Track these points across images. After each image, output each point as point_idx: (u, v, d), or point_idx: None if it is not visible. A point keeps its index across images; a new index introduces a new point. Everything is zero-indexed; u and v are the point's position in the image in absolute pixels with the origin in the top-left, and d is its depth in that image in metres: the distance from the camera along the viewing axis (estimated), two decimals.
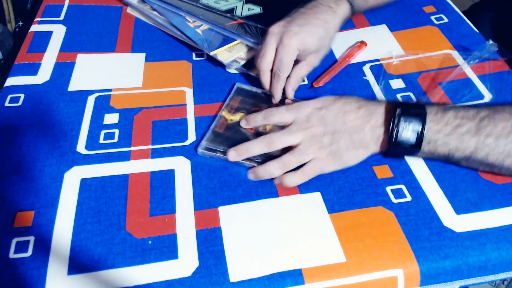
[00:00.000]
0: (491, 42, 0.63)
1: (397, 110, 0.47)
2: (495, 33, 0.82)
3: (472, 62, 0.63)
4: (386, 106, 0.49)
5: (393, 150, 0.48)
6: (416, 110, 0.47)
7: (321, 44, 0.58)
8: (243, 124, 0.54)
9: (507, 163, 0.46)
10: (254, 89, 0.61)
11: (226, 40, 0.65)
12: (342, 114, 0.49)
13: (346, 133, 0.48)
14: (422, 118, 0.46)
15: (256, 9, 0.70)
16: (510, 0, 0.82)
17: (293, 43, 0.55)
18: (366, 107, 0.49)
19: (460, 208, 0.48)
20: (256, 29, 0.65)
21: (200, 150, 0.53)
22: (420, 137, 0.46)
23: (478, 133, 0.45)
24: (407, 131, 0.46)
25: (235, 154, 0.50)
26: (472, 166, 0.49)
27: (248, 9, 0.70)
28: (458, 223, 0.46)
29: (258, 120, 0.53)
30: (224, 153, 0.52)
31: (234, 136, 0.54)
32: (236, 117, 0.57)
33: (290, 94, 0.58)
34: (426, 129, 0.46)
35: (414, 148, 0.47)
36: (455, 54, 0.66)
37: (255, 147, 0.50)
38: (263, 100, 0.59)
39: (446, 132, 0.46)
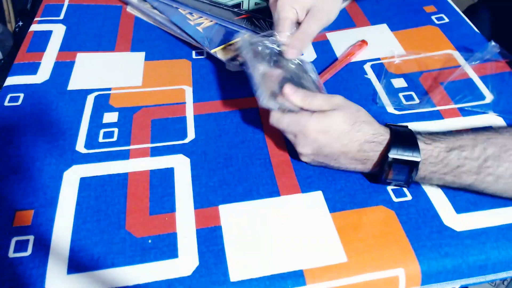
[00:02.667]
0: (493, 43, 0.63)
1: (388, 158, 0.45)
2: (493, 34, 0.82)
3: (473, 62, 0.63)
4: (382, 152, 0.47)
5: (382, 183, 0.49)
6: (410, 157, 0.45)
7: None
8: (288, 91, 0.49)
9: (505, 196, 0.47)
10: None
11: (226, 38, 0.65)
12: (336, 156, 0.48)
13: (338, 163, 0.49)
14: (414, 166, 0.45)
15: (263, 3, 0.70)
16: (507, 1, 0.82)
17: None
18: (364, 150, 0.47)
19: (460, 207, 0.48)
20: (265, 22, 0.65)
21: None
22: (410, 178, 0.47)
23: (479, 172, 0.45)
24: (398, 175, 0.47)
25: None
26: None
27: (255, 4, 0.70)
28: (458, 222, 0.46)
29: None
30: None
31: None
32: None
33: (289, 53, 0.55)
34: (421, 170, 0.45)
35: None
36: (456, 54, 0.66)
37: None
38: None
39: (443, 172, 0.46)
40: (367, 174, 0.50)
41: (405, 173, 0.46)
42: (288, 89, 0.48)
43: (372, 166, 0.48)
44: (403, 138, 0.46)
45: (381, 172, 0.47)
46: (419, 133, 0.47)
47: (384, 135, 0.46)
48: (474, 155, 0.44)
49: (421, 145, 0.45)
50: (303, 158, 0.50)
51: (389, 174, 0.47)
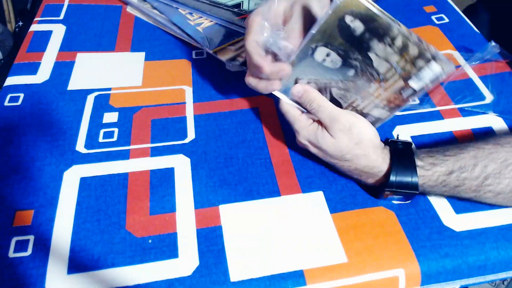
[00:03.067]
0: (493, 43, 0.63)
1: (385, 191, 0.45)
2: (492, 34, 0.82)
3: (473, 63, 0.63)
4: (379, 180, 0.47)
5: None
6: (408, 190, 0.45)
7: None
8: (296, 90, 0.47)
9: (504, 206, 0.47)
10: None
11: (226, 38, 0.65)
12: (329, 162, 0.48)
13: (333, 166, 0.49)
14: (413, 190, 0.45)
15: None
16: (506, 1, 0.82)
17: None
18: (355, 174, 0.48)
19: (459, 207, 0.48)
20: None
21: None
22: (410, 196, 0.47)
23: (478, 190, 0.45)
24: (396, 198, 0.47)
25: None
26: None
27: (255, 4, 0.70)
28: (457, 223, 0.46)
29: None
30: None
31: None
32: None
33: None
34: (419, 191, 0.45)
35: None
36: (456, 54, 0.66)
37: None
38: None
39: (441, 191, 0.46)
40: (366, 187, 0.50)
41: (402, 199, 0.47)
42: (296, 90, 0.46)
43: (368, 183, 0.48)
44: (401, 168, 0.44)
45: (379, 193, 0.48)
46: (420, 156, 0.46)
47: (379, 167, 0.45)
48: (474, 175, 0.44)
49: (420, 171, 0.44)
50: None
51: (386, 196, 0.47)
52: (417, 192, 0.44)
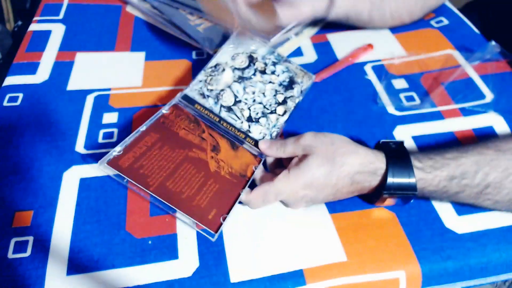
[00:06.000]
0: (493, 43, 0.63)
1: (383, 194, 0.44)
2: (488, 32, 0.81)
3: (473, 62, 0.63)
4: (378, 183, 0.45)
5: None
6: (407, 192, 0.44)
7: None
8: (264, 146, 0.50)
9: (502, 211, 0.47)
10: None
11: (226, 39, 0.64)
12: (333, 195, 0.46)
13: (338, 198, 0.47)
14: (412, 191, 0.44)
15: None
16: (503, 2, 0.82)
17: None
18: (357, 182, 0.44)
19: (461, 209, 0.48)
20: None
21: None
22: (407, 200, 0.46)
23: (477, 197, 0.44)
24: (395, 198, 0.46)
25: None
26: None
27: None
28: (459, 225, 0.46)
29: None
30: None
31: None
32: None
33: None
34: (419, 195, 0.44)
35: None
36: (457, 54, 0.66)
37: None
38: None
39: (441, 197, 0.45)
40: (362, 196, 0.49)
41: (400, 203, 0.47)
42: (264, 145, 0.50)
43: (369, 192, 0.47)
44: (398, 168, 0.43)
45: (376, 197, 0.47)
46: (418, 157, 0.45)
47: (374, 163, 0.44)
48: (475, 182, 0.44)
49: (420, 174, 0.43)
50: (303, 207, 0.48)
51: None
52: (415, 192, 0.43)
